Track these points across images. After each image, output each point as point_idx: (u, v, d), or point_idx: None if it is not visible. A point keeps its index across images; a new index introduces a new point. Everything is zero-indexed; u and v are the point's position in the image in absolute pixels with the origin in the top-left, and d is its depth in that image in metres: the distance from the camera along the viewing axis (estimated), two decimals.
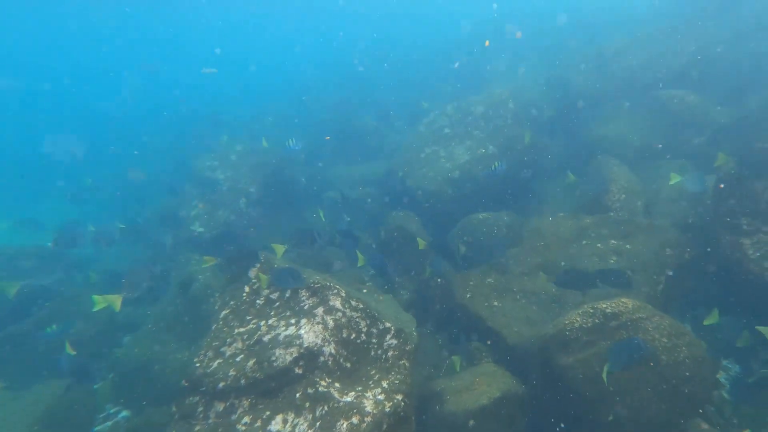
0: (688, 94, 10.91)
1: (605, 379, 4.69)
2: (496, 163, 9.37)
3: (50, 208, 17.05)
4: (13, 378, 6.48)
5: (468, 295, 7.53)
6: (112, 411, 6.90)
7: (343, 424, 4.14)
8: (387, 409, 4.35)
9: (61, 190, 16.09)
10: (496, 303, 7.29)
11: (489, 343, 6.85)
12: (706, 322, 5.64)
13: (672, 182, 6.84)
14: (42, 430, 6.11)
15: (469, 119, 11.96)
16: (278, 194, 13.02)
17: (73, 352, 5.91)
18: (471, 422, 5.19)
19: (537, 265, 7.74)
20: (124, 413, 6.87)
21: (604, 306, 5.24)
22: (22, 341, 7.33)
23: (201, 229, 11.54)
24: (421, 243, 8.03)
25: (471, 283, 7.75)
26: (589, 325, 5.20)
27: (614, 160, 9.78)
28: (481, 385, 5.60)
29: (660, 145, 10.30)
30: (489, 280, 7.75)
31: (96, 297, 5.86)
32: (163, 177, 16.66)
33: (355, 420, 4.18)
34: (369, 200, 12.22)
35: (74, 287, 9.47)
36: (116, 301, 5.90)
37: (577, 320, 5.28)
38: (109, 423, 6.62)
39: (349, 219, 11.39)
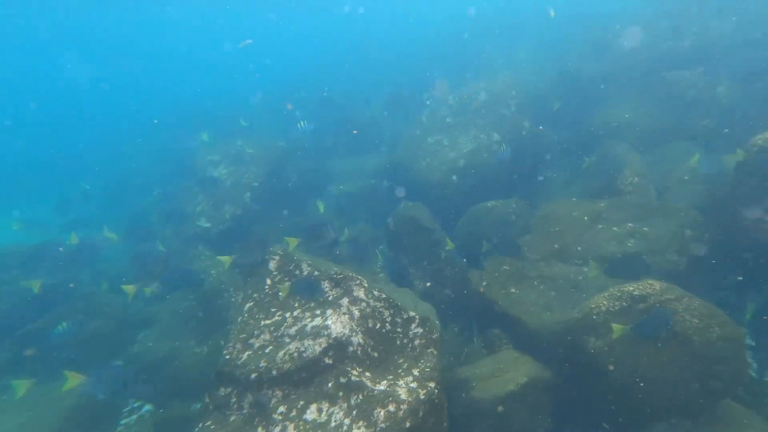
0: (694, 75, 10.88)
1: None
2: (503, 147, 9.31)
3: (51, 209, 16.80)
4: (39, 374, 6.46)
5: (484, 283, 7.49)
6: (135, 405, 6.93)
7: (380, 412, 4.11)
8: (422, 397, 4.32)
9: (52, 195, 15.92)
10: (513, 290, 7.25)
11: (508, 329, 6.82)
12: (748, 317, 5.67)
13: (692, 161, 6.86)
14: (73, 423, 6.19)
15: (472, 108, 11.85)
16: (280, 189, 12.93)
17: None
18: (500, 408, 5.18)
19: (553, 251, 7.70)
20: (148, 407, 6.90)
21: (631, 288, 5.21)
22: (40, 339, 7.30)
23: (208, 225, 11.43)
24: (450, 244, 7.94)
25: (486, 270, 7.70)
26: (616, 308, 5.18)
27: (624, 144, 9.74)
28: (507, 371, 5.59)
29: (667, 128, 10.28)
30: (504, 267, 7.70)
31: (125, 287, 6.04)
32: (160, 176, 16.56)
33: (391, 408, 4.15)
34: (370, 193, 12.14)
35: (83, 285, 9.39)
36: (131, 290, 6.02)
37: (603, 303, 5.26)
38: (134, 417, 6.67)
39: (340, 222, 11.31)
